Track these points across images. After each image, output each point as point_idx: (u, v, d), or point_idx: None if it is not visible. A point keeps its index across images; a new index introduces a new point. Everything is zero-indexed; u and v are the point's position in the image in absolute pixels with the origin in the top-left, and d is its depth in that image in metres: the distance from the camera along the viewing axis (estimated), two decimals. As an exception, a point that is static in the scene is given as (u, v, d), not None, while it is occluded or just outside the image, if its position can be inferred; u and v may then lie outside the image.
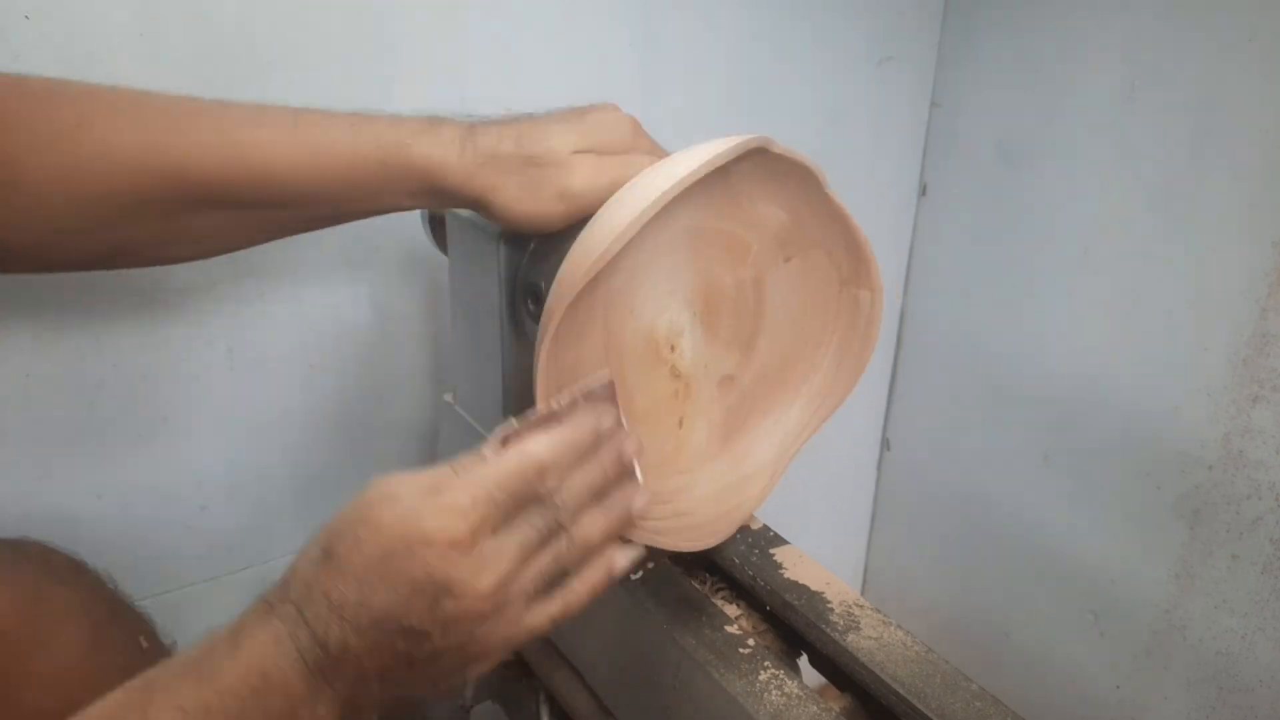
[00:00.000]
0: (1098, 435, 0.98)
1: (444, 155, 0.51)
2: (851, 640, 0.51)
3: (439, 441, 0.75)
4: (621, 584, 0.55)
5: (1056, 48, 0.95)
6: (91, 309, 0.71)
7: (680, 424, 0.56)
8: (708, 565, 0.60)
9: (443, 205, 0.55)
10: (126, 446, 0.76)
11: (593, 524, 0.43)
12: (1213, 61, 0.83)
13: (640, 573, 0.56)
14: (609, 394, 0.45)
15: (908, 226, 1.13)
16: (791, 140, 1.00)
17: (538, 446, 0.41)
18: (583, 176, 0.51)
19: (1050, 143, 0.97)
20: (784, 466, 0.61)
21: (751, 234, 0.56)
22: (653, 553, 0.58)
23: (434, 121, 0.53)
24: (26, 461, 0.72)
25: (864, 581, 1.31)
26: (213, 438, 0.79)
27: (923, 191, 1.11)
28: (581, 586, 0.43)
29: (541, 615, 0.42)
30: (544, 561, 0.41)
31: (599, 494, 0.43)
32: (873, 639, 0.52)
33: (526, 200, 0.51)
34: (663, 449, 0.56)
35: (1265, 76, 0.80)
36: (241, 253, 0.76)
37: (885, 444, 1.24)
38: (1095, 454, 0.99)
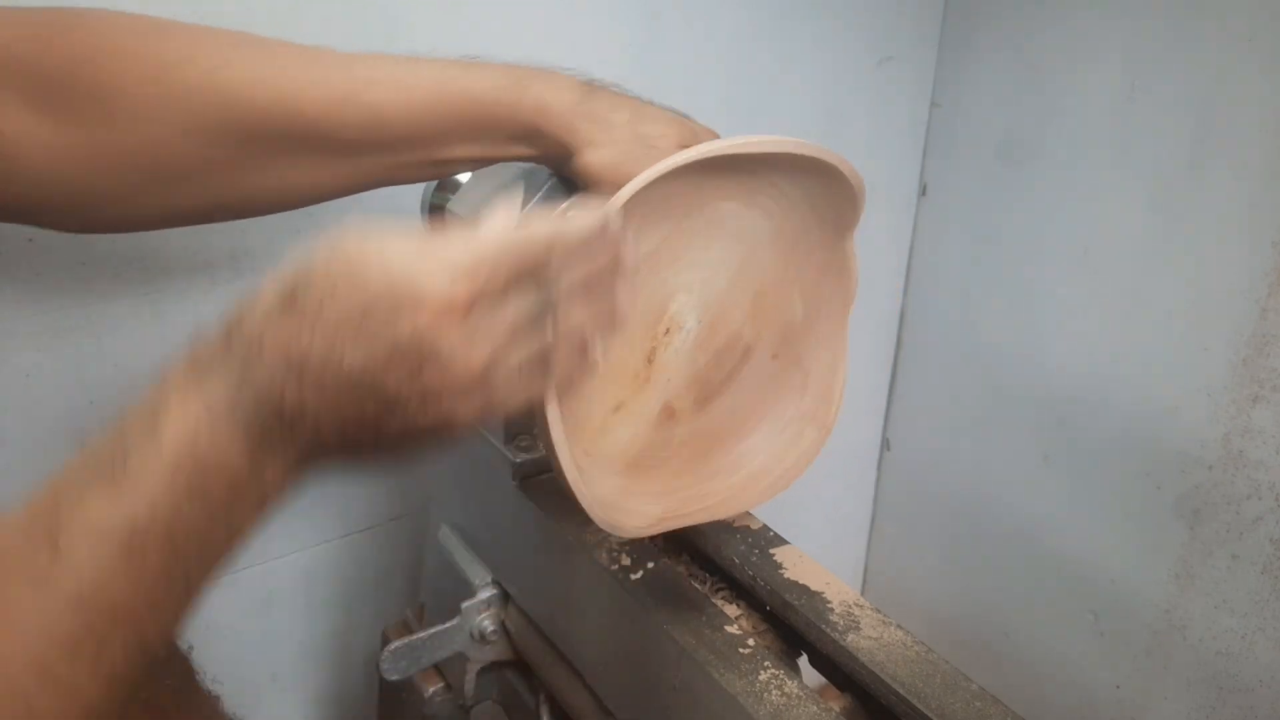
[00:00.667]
0: (1098, 435, 0.98)
1: (557, 100, 0.51)
2: (851, 640, 0.51)
3: (439, 441, 0.75)
4: (621, 584, 0.55)
5: (1057, 47, 0.95)
6: (92, 307, 0.71)
7: (617, 409, 0.55)
8: (708, 565, 0.60)
9: (535, 153, 0.54)
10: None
11: (581, 313, 0.40)
12: (1213, 61, 0.83)
13: (640, 572, 0.56)
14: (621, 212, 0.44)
15: (908, 226, 1.13)
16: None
17: (546, 228, 0.38)
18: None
19: (1050, 143, 0.97)
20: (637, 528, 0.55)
21: (778, 304, 0.57)
22: (653, 552, 0.58)
23: (550, 69, 0.53)
24: (27, 460, 0.72)
25: (864, 581, 1.31)
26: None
27: (923, 191, 1.11)
28: (558, 370, 0.41)
29: (517, 396, 0.39)
30: (531, 344, 0.39)
31: (591, 286, 0.41)
32: (873, 639, 0.52)
33: (621, 170, 0.50)
34: (588, 414, 0.54)
35: (1265, 76, 0.80)
36: (243, 251, 0.76)
37: (885, 444, 1.24)
38: (1095, 454, 0.99)
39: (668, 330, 0.54)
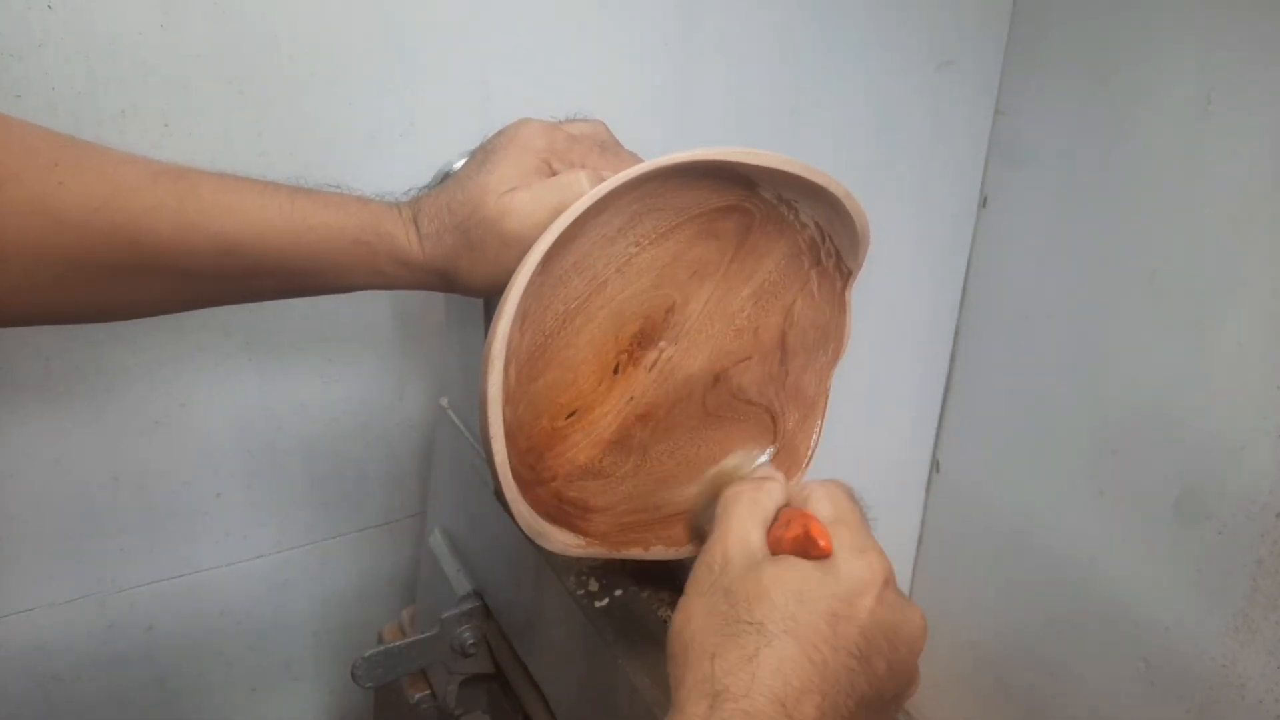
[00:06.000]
0: (1156, 472, 0.92)
1: (407, 240, 0.50)
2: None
3: (434, 445, 0.74)
4: (583, 610, 0.53)
5: (1129, 53, 0.88)
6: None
7: (570, 415, 0.52)
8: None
9: (413, 287, 0.53)
10: (143, 432, 0.77)
11: None
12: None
13: (606, 600, 0.54)
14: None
15: (966, 239, 1.07)
16: (841, 149, 0.96)
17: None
18: (516, 218, 0.47)
19: (1120, 155, 0.91)
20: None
21: (763, 344, 0.54)
22: (624, 579, 0.55)
23: (391, 206, 0.51)
24: (44, 445, 0.73)
25: (908, 606, 1.25)
26: (229, 427, 0.80)
27: (983, 203, 1.05)
28: None
29: None
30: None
31: None
32: (841, 690, 0.48)
33: (479, 267, 0.48)
34: (546, 403, 0.52)
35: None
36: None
37: (935, 465, 1.18)
38: (1152, 492, 0.92)
39: (641, 345, 0.52)
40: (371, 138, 0.74)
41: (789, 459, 0.55)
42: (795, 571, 0.39)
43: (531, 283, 0.44)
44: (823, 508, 0.41)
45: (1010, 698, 1.11)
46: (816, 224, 0.50)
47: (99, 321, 0.53)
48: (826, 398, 0.55)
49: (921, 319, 1.10)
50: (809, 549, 0.39)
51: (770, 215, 0.51)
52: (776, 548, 0.41)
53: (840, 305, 0.53)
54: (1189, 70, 0.83)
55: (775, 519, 0.42)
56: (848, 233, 0.51)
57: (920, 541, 1.22)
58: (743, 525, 0.41)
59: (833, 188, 0.48)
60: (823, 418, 0.55)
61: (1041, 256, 1.00)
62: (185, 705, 0.87)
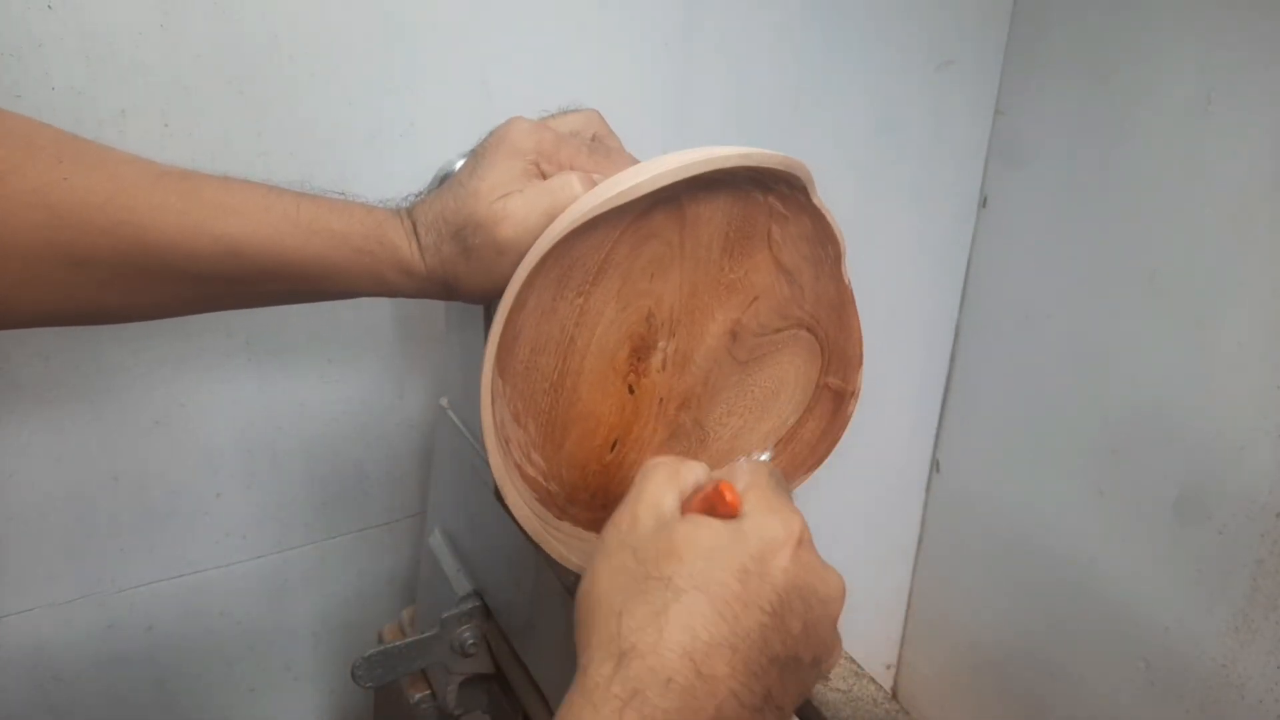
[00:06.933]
0: (1156, 472, 0.92)
1: (410, 250, 0.49)
2: (817, 690, 0.48)
3: (435, 445, 0.74)
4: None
5: (1128, 53, 0.88)
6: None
7: (614, 446, 0.52)
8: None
9: (415, 295, 0.52)
10: (143, 431, 0.77)
11: None
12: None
13: (606, 599, 0.54)
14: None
15: (966, 239, 1.07)
16: (841, 149, 0.96)
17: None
18: (511, 224, 0.46)
19: (1120, 155, 0.91)
20: None
21: (757, 286, 0.54)
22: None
23: (394, 214, 0.50)
24: (43, 443, 0.73)
25: (908, 607, 1.25)
26: (229, 427, 0.80)
27: (983, 203, 1.05)
28: None
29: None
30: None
31: None
32: (841, 691, 0.48)
33: (477, 276, 0.48)
34: (591, 459, 0.52)
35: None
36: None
37: (935, 465, 1.18)
38: (1152, 491, 0.92)
39: (641, 357, 0.51)
40: (371, 138, 0.74)
41: (842, 362, 0.55)
42: (706, 529, 0.39)
43: (497, 396, 0.45)
44: (740, 477, 0.42)
45: (1010, 698, 1.11)
46: (744, 165, 0.48)
47: (101, 323, 0.53)
48: (850, 293, 0.55)
49: (921, 319, 1.10)
50: (716, 505, 0.39)
51: (695, 188, 0.49)
52: (686, 509, 0.41)
53: (814, 212, 0.52)
54: (1189, 70, 0.83)
55: (692, 495, 0.43)
56: (776, 171, 0.49)
57: (920, 541, 1.22)
58: (656, 490, 0.41)
59: (722, 164, 0.46)
60: (856, 311, 0.55)
61: (1041, 256, 1.00)
62: (185, 705, 0.87)
